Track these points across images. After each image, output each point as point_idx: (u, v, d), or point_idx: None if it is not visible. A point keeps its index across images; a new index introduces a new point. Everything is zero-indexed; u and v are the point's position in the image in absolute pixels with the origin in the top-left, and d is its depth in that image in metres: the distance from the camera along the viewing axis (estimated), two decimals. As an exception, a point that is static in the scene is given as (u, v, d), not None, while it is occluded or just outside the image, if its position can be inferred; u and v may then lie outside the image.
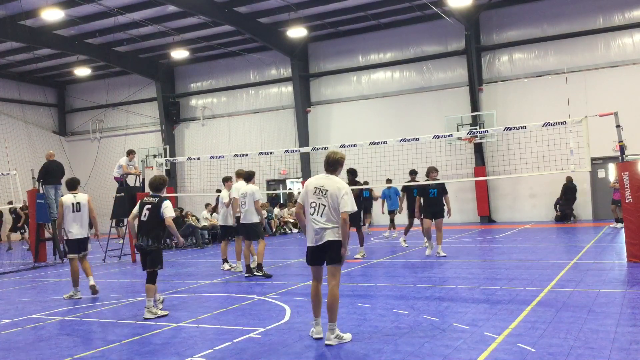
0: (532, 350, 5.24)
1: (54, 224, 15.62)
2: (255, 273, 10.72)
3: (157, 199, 7.85)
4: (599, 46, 20.99)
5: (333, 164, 5.97)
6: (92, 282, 9.59)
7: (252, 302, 8.24)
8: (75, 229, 9.52)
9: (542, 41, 21.82)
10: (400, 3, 21.64)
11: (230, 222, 11.89)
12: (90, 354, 5.95)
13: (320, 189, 5.83)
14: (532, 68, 22.10)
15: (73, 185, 9.89)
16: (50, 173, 15.37)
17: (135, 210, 7.89)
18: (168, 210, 7.75)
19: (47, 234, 16.17)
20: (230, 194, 11.48)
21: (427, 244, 12.81)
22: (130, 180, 16.46)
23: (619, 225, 16.12)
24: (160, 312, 7.60)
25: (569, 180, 20.47)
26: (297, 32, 22.49)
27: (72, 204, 9.55)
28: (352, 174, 12.71)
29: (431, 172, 12.46)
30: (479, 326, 6.17)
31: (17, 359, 5.91)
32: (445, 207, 12.48)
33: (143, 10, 21.03)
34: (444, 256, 12.06)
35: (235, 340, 6.10)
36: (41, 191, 15.22)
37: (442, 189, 12.45)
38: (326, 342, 5.76)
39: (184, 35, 23.91)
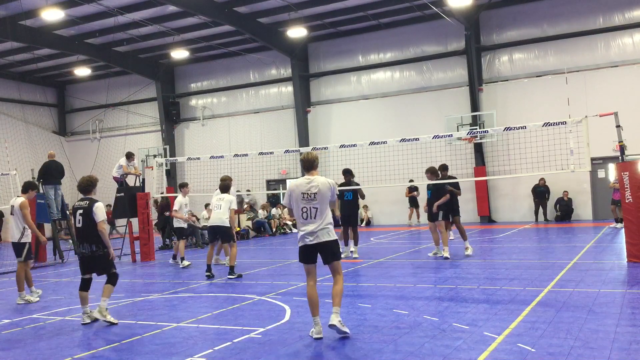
0: (532, 350, 5.24)
1: (53, 224, 15.65)
2: (229, 276, 10.75)
3: (87, 202, 7.37)
4: (599, 46, 20.99)
5: (312, 162, 6.14)
6: (19, 300, 9.12)
7: (252, 302, 8.24)
8: (12, 232, 9.20)
9: (542, 41, 21.82)
10: (400, 3, 21.63)
11: (182, 224, 13.66)
12: (90, 354, 5.94)
13: (307, 194, 6.02)
14: (532, 68, 22.10)
15: (23, 187, 9.57)
16: (50, 173, 15.38)
17: (72, 219, 7.43)
18: (100, 213, 7.26)
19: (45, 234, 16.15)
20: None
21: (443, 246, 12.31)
22: (130, 181, 16.45)
23: (619, 225, 16.12)
24: (110, 318, 7.18)
25: (541, 183, 21.17)
26: (297, 32, 22.49)
27: (11, 206, 9.24)
28: (349, 173, 12.81)
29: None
30: (479, 326, 6.17)
31: (17, 359, 5.91)
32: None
33: (143, 10, 21.03)
34: (446, 258, 11.88)
35: (235, 340, 6.10)
36: (41, 191, 15.22)
37: (437, 190, 12.26)
38: (330, 323, 5.91)
39: (184, 35, 23.91)
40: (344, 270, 10.89)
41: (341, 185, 12.77)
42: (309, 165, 6.17)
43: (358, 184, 13.21)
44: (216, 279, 10.79)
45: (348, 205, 12.82)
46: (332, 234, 6.06)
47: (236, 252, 11.04)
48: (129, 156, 16.02)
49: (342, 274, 6.19)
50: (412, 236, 17.89)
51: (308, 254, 6.13)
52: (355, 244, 12.92)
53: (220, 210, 11.02)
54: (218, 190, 11.79)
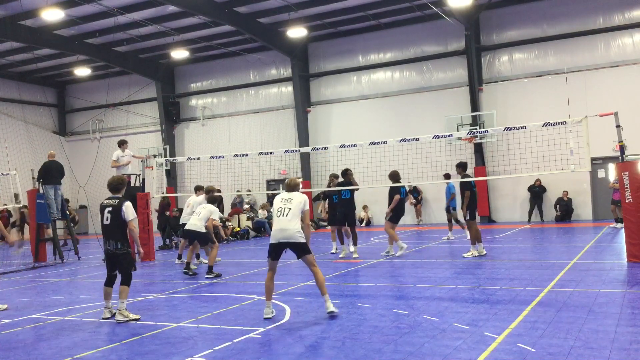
0: (532, 350, 5.24)
1: (53, 223, 15.65)
2: (207, 275, 11.02)
3: (117, 200, 7.56)
4: (599, 46, 20.98)
5: (294, 187, 7.50)
6: None
7: (252, 302, 8.24)
8: None
9: (542, 41, 21.82)
10: (400, 3, 21.63)
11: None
12: (90, 354, 5.94)
13: (286, 199, 7.29)
14: (532, 68, 22.10)
15: None
16: (50, 173, 15.38)
17: (100, 217, 7.64)
18: (130, 212, 7.48)
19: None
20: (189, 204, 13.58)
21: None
22: (131, 181, 16.43)
23: (619, 225, 16.12)
24: (132, 315, 7.37)
25: (537, 183, 21.39)
26: (297, 32, 22.48)
27: None
28: (346, 174, 13.20)
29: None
30: (479, 326, 6.17)
31: (17, 359, 5.91)
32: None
33: (143, 10, 21.03)
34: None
35: (235, 340, 6.10)
36: (41, 191, 15.22)
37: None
38: (328, 311, 6.93)
39: (184, 35, 23.91)
40: (343, 271, 11.01)
41: (339, 184, 13.19)
42: (288, 188, 7.50)
43: (356, 182, 13.52)
44: (215, 279, 10.80)
45: (345, 204, 13.09)
46: (302, 239, 7.05)
47: (216, 253, 11.37)
48: (122, 144, 15.88)
49: (316, 265, 7.14)
50: (412, 236, 17.89)
51: (276, 250, 7.12)
52: (355, 244, 13.00)
53: (198, 217, 11.52)
54: (202, 197, 12.72)
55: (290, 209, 7.14)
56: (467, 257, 11.92)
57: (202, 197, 12.98)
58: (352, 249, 12.96)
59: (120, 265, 7.56)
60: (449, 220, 16.13)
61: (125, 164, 15.64)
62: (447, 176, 16.21)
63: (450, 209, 15.92)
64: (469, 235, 12.43)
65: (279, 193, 25.53)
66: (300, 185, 7.79)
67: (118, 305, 7.40)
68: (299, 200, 7.21)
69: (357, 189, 13.42)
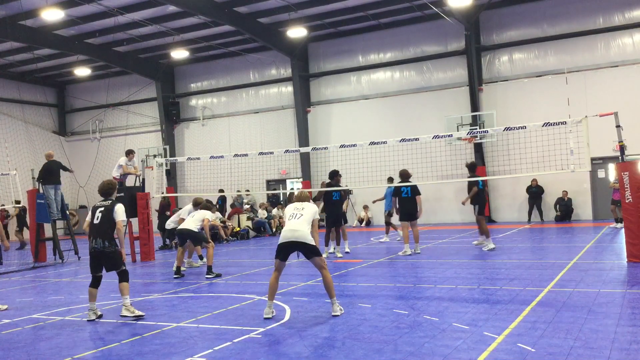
0: (532, 350, 5.24)
1: (54, 223, 15.65)
2: (207, 275, 11.08)
3: (110, 202, 7.79)
4: (599, 46, 20.99)
5: (305, 198, 7.79)
6: None
7: (252, 302, 8.24)
8: None
9: (542, 41, 21.82)
10: (400, 3, 21.63)
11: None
12: (90, 354, 5.94)
13: (298, 208, 7.55)
14: (532, 68, 22.10)
15: None
16: (51, 172, 15.39)
17: (88, 217, 7.78)
18: (120, 213, 7.66)
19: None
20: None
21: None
22: (130, 181, 16.44)
23: (619, 225, 16.12)
24: (137, 312, 7.48)
25: (533, 184, 21.50)
26: (297, 32, 22.49)
27: None
28: (336, 175, 13.64)
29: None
30: (479, 326, 6.17)
31: (17, 359, 5.91)
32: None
33: (143, 10, 21.02)
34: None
35: (235, 340, 6.10)
36: (41, 191, 15.23)
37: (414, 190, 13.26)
38: (333, 314, 7.02)
39: (184, 35, 23.91)
40: (344, 270, 11.02)
41: (328, 185, 13.64)
42: (301, 200, 7.74)
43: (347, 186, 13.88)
44: (216, 279, 10.80)
45: (336, 205, 13.50)
46: (312, 241, 7.20)
47: (212, 252, 11.39)
48: (129, 153, 15.98)
49: (326, 267, 7.25)
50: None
51: (285, 250, 7.21)
52: (345, 239, 13.67)
53: (191, 220, 11.70)
54: (191, 207, 12.87)
55: (302, 215, 7.40)
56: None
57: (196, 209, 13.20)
58: (332, 249, 13.53)
59: (109, 263, 7.64)
60: (387, 223, 16.53)
61: (130, 173, 15.80)
62: (390, 180, 16.65)
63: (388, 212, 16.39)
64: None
65: (279, 193, 25.55)
66: (310, 198, 8.21)
67: (123, 302, 7.50)
68: (310, 209, 7.51)
69: (349, 191, 13.72)
